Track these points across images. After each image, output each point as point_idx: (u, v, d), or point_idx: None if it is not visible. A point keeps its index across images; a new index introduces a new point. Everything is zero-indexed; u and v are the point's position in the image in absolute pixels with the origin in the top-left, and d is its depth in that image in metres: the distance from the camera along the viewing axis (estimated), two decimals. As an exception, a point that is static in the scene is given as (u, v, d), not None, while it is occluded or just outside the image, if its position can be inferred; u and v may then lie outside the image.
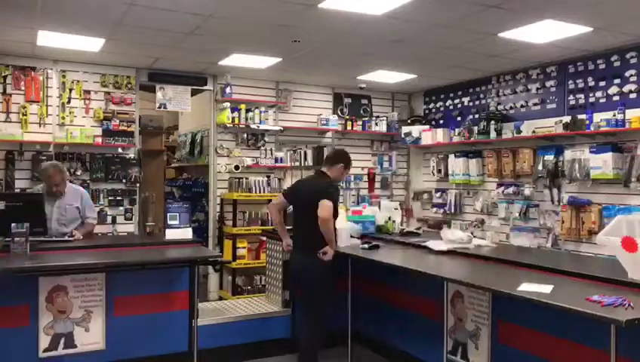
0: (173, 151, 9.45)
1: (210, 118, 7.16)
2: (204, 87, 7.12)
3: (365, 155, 8.15)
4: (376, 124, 8.01)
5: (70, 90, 6.29)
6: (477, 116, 7.04)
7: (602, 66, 5.67)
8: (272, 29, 5.05)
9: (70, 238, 4.43)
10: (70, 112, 6.28)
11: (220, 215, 7.13)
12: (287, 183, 7.52)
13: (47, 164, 4.98)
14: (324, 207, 4.18)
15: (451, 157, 7.32)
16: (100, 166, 6.37)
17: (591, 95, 5.76)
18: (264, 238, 6.05)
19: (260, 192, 6.96)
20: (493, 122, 6.63)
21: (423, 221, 7.76)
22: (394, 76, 7.10)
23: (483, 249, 4.34)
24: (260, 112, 7.16)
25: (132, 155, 6.58)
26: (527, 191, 6.32)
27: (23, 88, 6.06)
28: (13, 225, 3.77)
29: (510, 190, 6.51)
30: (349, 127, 7.85)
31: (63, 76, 6.26)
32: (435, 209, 7.60)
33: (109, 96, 6.49)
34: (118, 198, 6.42)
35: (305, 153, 7.58)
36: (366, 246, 4.54)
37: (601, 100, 5.65)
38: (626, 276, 3.01)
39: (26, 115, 6.04)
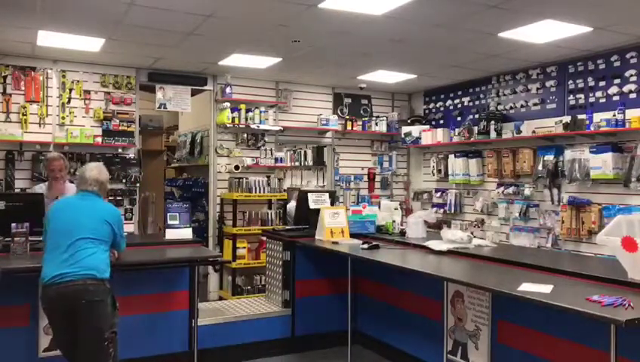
0: (173, 151, 9.45)
1: (210, 118, 7.16)
2: (204, 87, 7.12)
3: (365, 155, 8.16)
4: (376, 124, 8.02)
5: (70, 90, 6.29)
6: (477, 116, 7.04)
7: (602, 66, 5.67)
8: (272, 29, 5.05)
9: None
10: (70, 112, 6.28)
11: (219, 215, 7.13)
12: (287, 183, 7.54)
13: (51, 154, 5.15)
14: None
15: (451, 157, 7.33)
16: (100, 166, 6.35)
17: (591, 95, 5.76)
18: (264, 238, 6.05)
19: (260, 192, 6.96)
20: (493, 122, 6.63)
21: (424, 221, 7.76)
22: (394, 76, 7.10)
23: (483, 249, 4.34)
24: (260, 112, 7.16)
25: (132, 155, 6.58)
26: (527, 191, 6.32)
27: (23, 88, 6.06)
28: (13, 225, 3.77)
29: (510, 190, 6.51)
30: (349, 127, 7.85)
31: (63, 76, 6.26)
32: (435, 209, 7.60)
33: (109, 96, 6.49)
34: (118, 198, 6.43)
35: (305, 153, 7.58)
36: (366, 246, 4.53)
37: (601, 100, 5.65)
38: (626, 276, 3.01)
39: (26, 114, 6.04)
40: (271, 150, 7.35)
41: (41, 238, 4.10)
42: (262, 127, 7.18)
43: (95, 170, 3.60)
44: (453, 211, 7.37)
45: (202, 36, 5.25)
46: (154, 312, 4.33)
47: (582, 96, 5.86)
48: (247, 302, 5.43)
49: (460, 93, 7.51)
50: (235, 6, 4.43)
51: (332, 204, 5.55)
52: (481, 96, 7.16)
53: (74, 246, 3.22)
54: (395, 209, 5.55)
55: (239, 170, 7.08)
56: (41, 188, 4.94)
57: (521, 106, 6.56)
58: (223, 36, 5.31)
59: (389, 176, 8.22)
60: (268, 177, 7.18)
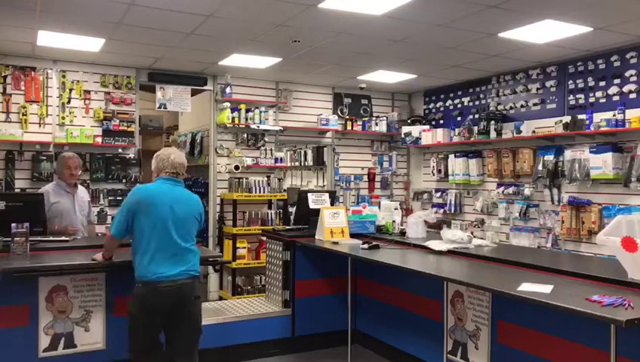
0: (174, 152, 9.42)
1: (210, 118, 7.16)
2: (204, 87, 7.12)
3: (365, 155, 8.16)
4: (376, 124, 8.02)
5: (70, 90, 6.29)
6: (477, 116, 7.04)
7: (602, 66, 5.67)
8: (272, 29, 5.05)
9: (68, 239, 4.42)
10: (70, 112, 6.28)
11: (219, 215, 7.13)
12: (287, 183, 7.54)
13: (67, 153, 5.13)
14: None
15: (451, 157, 7.33)
16: (100, 166, 6.37)
17: (591, 95, 5.76)
18: (264, 238, 6.05)
19: (260, 192, 6.96)
20: (493, 122, 6.63)
21: (424, 221, 7.77)
22: (394, 76, 7.10)
23: (483, 249, 4.34)
24: (260, 112, 7.16)
25: (132, 155, 6.58)
26: (527, 191, 6.32)
27: (22, 88, 6.06)
28: (13, 225, 3.77)
29: (510, 190, 6.51)
30: (349, 127, 7.85)
31: (63, 76, 6.26)
32: (435, 209, 7.60)
33: (109, 96, 6.49)
34: (118, 198, 6.41)
35: (305, 153, 7.58)
36: (366, 246, 4.53)
37: (601, 100, 5.65)
38: (626, 276, 3.00)
39: (26, 115, 6.04)
40: (271, 150, 7.35)
41: (40, 238, 4.13)
42: (262, 127, 7.18)
43: (176, 153, 3.58)
44: (453, 211, 7.37)
45: (202, 36, 5.25)
46: (154, 312, 4.32)
47: (582, 96, 5.86)
48: (247, 302, 5.43)
49: (459, 93, 7.51)
50: (235, 6, 4.43)
51: (332, 203, 5.55)
52: (481, 96, 7.16)
53: (181, 245, 3.40)
54: (395, 209, 5.55)
55: (239, 170, 7.07)
56: (50, 189, 4.80)
57: (521, 106, 6.56)
58: (223, 36, 5.31)
59: (389, 176, 8.22)
60: (268, 177, 7.18)
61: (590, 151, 5.50)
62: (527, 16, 4.58)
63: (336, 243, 4.81)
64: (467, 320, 3.93)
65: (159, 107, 6.85)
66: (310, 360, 4.93)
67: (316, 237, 5.03)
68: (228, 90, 7.00)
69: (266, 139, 7.39)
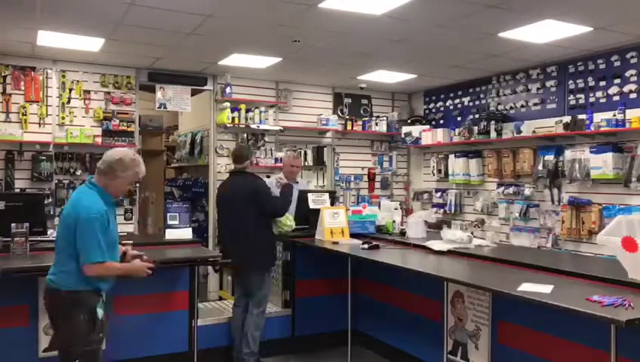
0: (173, 152, 9.44)
1: (210, 118, 7.16)
2: (204, 87, 7.12)
3: (365, 155, 8.15)
4: (376, 124, 8.01)
5: (70, 90, 6.29)
6: (477, 116, 7.03)
7: (602, 66, 5.67)
8: (272, 29, 5.05)
9: None
10: (70, 112, 6.27)
11: (219, 215, 7.11)
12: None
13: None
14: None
15: (451, 157, 7.32)
16: (100, 166, 6.35)
17: (591, 95, 5.76)
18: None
19: (259, 192, 6.94)
20: (493, 122, 6.62)
21: (424, 221, 7.76)
22: (394, 76, 7.10)
23: (483, 249, 4.34)
24: (260, 112, 7.16)
25: (132, 155, 6.56)
26: (527, 192, 6.31)
27: (22, 88, 6.06)
28: (13, 225, 3.77)
29: (510, 190, 6.51)
30: (349, 127, 7.85)
31: (63, 76, 6.26)
32: (435, 209, 7.60)
33: (109, 96, 6.49)
34: (118, 198, 6.41)
35: (305, 153, 7.58)
36: (366, 246, 4.54)
37: (601, 100, 5.65)
38: (626, 276, 3.01)
39: (25, 115, 6.04)
40: (271, 150, 7.34)
41: (40, 238, 4.13)
42: (262, 127, 7.18)
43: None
44: (453, 211, 7.37)
45: (202, 36, 5.24)
46: (154, 312, 4.33)
47: (582, 96, 5.86)
48: (247, 302, 5.42)
49: (459, 93, 7.51)
50: (235, 6, 4.43)
51: (332, 204, 5.55)
52: (481, 96, 7.16)
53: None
54: (395, 209, 5.55)
55: (239, 170, 7.06)
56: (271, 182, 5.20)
57: (521, 106, 6.56)
58: (223, 36, 5.31)
59: (389, 176, 8.22)
60: (268, 177, 7.15)
61: (590, 151, 5.50)
62: (527, 16, 4.58)
63: (336, 243, 4.82)
64: (467, 320, 3.93)
65: (159, 107, 6.85)
66: (310, 360, 4.94)
67: (316, 237, 5.03)
68: (228, 90, 7.00)
69: (266, 139, 7.39)
